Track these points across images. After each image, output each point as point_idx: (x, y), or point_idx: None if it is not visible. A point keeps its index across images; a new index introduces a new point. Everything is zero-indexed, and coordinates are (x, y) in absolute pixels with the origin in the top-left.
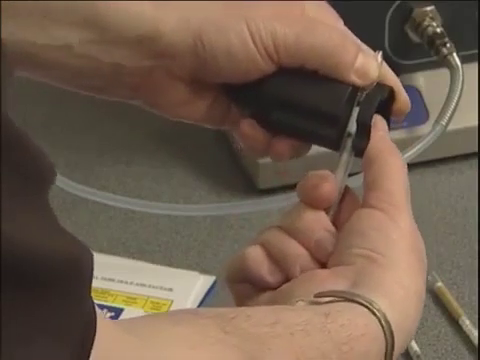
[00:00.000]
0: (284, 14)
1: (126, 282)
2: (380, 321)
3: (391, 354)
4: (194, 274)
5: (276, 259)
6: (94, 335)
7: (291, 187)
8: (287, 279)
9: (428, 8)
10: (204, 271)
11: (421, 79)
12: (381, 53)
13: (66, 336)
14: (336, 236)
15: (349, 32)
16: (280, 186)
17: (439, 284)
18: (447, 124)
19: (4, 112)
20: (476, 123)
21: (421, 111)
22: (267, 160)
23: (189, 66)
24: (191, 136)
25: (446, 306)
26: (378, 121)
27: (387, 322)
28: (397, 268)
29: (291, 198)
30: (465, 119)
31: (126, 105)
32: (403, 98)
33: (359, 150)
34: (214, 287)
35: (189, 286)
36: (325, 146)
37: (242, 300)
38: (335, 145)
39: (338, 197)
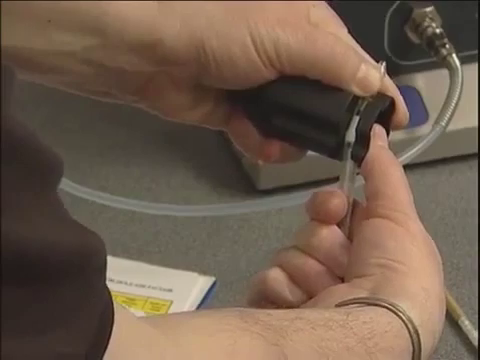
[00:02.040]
0: (288, 19)
1: (125, 283)
2: (404, 321)
3: (419, 354)
4: (193, 275)
5: (296, 279)
6: (112, 324)
7: (291, 188)
8: (308, 297)
9: (428, 9)
10: (203, 272)
11: (420, 80)
12: (384, 64)
13: (80, 326)
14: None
15: (352, 41)
16: (280, 187)
17: None
18: (446, 125)
19: (7, 108)
20: (475, 124)
21: (420, 112)
22: None
23: (191, 72)
24: (191, 137)
25: (446, 307)
26: (378, 130)
27: (411, 322)
28: (416, 274)
29: (291, 199)
30: (464, 120)
31: (126, 106)
32: (403, 110)
33: (358, 159)
34: (213, 288)
35: (188, 287)
36: (323, 153)
37: None
38: (333, 152)
39: (349, 208)
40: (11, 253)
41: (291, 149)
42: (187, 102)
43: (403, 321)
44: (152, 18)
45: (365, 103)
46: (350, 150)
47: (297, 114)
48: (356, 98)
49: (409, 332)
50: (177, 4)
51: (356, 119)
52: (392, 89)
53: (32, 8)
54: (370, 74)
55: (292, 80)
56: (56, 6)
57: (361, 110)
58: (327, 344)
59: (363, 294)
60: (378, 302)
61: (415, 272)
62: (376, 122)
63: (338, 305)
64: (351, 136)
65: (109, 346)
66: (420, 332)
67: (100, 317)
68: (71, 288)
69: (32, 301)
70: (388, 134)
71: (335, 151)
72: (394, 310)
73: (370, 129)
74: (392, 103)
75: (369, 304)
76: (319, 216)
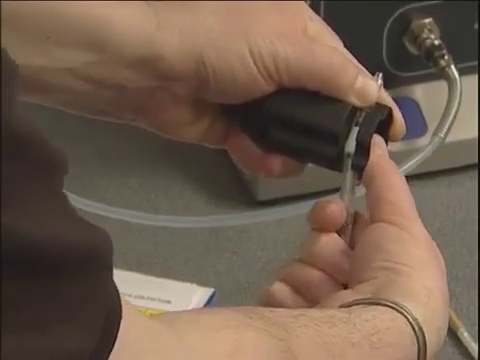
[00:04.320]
0: (286, 32)
1: (124, 294)
2: (407, 318)
3: (424, 351)
4: (192, 286)
5: (299, 289)
6: (119, 320)
7: (290, 199)
8: (311, 306)
9: (426, 20)
10: (202, 283)
11: (419, 91)
12: (381, 75)
13: (87, 321)
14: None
15: (349, 54)
16: (279, 198)
17: None
18: (445, 136)
19: (12, 103)
20: (474, 135)
21: (419, 123)
22: None
23: (191, 87)
24: (190, 147)
25: None
26: (377, 140)
27: (415, 319)
28: (420, 276)
29: (290, 210)
30: (463, 131)
31: None
32: (400, 121)
33: (358, 169)
34: (213, 299)
35: (187, 298)
36: (324, 165)
37: None
38: (334, 164)
39: (350, 219)
40: (18, 247)
41: (291, 163)
42: (185, 119)
43: (408, 320)
44: (151, 34)
45: (363, 114)
46: (350, 161)
47: (296, 126)
48: (354, 109)
49: (414, 330)
50: (176, 19)
51: (355, 130)
52: (388, 101)
53: (30, 24)
54: (368, 84)
55: (290, 92)
56: (54, 22)
57: (360, 121)
58: (331, 340)
59: (366, 296)
60: (380, 301)
61: (418, 274)
62: (374, 132)
63: (341, 306)
64: (351, 146)
65: (117, 340)
66: (425, 330)
67: (107, 312)
68: (79, 283)
69: (38, 295)
70: (386, 144)
71: (335, 162)
72: (398, 308)
73: (370, 139)
74: (389, 114)
75: (371, 304)
76: (318, 224)
